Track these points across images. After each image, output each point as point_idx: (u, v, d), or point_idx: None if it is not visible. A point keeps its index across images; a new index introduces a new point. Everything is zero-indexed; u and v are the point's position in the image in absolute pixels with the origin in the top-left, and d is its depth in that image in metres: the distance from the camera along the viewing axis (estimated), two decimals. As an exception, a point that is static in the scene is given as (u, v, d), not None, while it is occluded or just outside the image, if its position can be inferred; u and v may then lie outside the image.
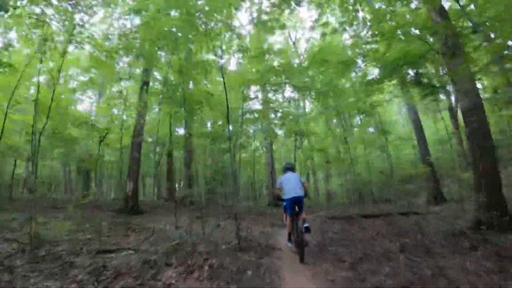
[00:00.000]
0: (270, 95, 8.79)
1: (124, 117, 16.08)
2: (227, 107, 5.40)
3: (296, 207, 4.61)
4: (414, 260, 4.13)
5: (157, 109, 14.26)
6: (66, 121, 9.73)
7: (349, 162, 10.33)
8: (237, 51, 6.60)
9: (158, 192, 22.05)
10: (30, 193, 16.15)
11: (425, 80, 5.40)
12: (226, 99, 5.74)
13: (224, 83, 5.68)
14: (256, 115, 8.79)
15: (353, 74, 11.50)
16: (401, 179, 19.96)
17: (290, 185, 4.72)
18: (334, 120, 14.91)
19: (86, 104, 20.52)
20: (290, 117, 13.01)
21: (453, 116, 16.66)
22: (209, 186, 13.84)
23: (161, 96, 8.24)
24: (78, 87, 8.71)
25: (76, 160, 13.99)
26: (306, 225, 4.62)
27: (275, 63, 6.78)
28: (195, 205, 13.49)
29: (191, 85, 9.16)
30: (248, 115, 10.55)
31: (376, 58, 7.42)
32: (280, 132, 18.10)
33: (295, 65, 7.64)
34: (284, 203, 5.33)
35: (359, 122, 15.00)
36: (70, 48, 8.23)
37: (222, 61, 6.88)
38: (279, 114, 10.12)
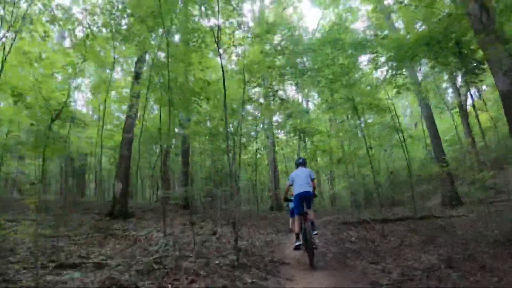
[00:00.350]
0: (274, 83, 7.78)
1: (118, 115, 15.15)
2: (224, 90, 4.43)
3: (304, 206, 4.22)
4: (471, 279, 3.12)
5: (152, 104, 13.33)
6: (48, 115, 8.73)
7: (367, 161, 9.32)
8: (237, 28, 5.65)
9: (157, 194, 21.02)
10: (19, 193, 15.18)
11: (467, 51, 4.44)
12: (223, 83, 4.77)
13: (221, 64, 4.71)
14: (258, 107, 7.74)
15: (363, 68, 10.65)
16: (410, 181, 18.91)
17: (299, 180, 4.38)
18: (338, 120, 13.94)
19: (85, 104, 19.62)
20: (294, 114, 12.05)
21: (464, 114, 15.71)
22: (207, 187, 12.81)
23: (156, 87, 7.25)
24: (57, 70, 7.75)
25: (65, 159, 12.96)
26: (315, 232, 4.22)
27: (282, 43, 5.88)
28: (192, 208, 12.47)
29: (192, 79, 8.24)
30: (249, 108, 9.57)
31: (394, 40, 6.46)
32: (282, 134, 17.15)
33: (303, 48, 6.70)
34: (291, 205, 5.11)
35: (362, 122, 14.07)
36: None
37: (222, 54, 5.88)
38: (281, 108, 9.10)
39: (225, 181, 15.28)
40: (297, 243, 4.01)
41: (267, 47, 5.85)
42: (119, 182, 8.99)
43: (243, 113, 7.98)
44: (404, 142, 7.87)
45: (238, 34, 5.99)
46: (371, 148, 13.98)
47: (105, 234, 5.88)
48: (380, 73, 10.66)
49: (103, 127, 7.08)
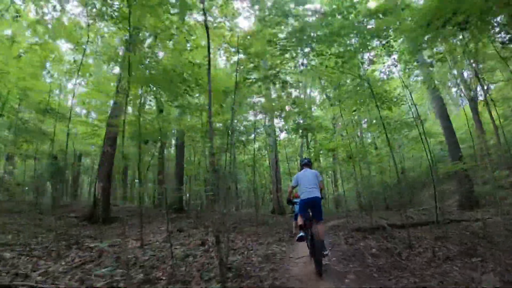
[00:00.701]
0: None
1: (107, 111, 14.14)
2: (209, 53, 3.45)
3: (310, 212, 3.86)
4: None
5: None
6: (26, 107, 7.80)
7: (376, 160, 8.37)
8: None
9: (154, 196, 19.97)
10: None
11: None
12: (209, 57, 3.80)
13: (207, 27, 3.72)
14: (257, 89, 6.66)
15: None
16: (419, 181, 17.88)
17: (305, 183, 3.99)
18: (344, 118, 12.95)
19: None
20: (296, 104, 11.01)
21: (475, 109, 14.68)
22: (203, 188, 11.79)
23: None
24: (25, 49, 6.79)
25: (50, 158, 11.98)
26: (326, 252, 3.75)
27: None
28: (188, 212, 11.45)
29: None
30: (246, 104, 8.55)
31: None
32: (284, 133, 16.08)
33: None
34: (296, 208, 4.81)
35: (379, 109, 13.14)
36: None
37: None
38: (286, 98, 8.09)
39: (223, 182, 14.22)
40: (301, 234, 3.82)
41: (266, 13, 4.85)
42: (100, 182, 7.98)
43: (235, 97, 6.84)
44: (424, 133, 6.83)
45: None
46: (375, 148, 13.07)
47: (72, 243, 4.85)
48: (392, 61, 9.84)
49: (71, 111, 6.07)
